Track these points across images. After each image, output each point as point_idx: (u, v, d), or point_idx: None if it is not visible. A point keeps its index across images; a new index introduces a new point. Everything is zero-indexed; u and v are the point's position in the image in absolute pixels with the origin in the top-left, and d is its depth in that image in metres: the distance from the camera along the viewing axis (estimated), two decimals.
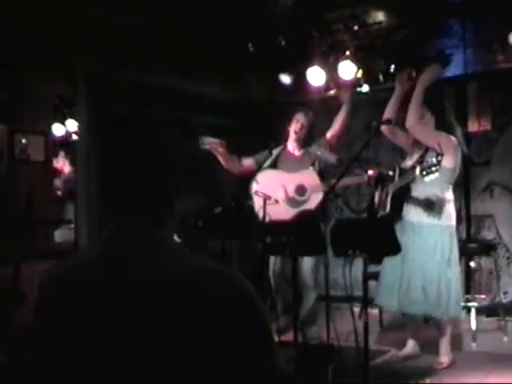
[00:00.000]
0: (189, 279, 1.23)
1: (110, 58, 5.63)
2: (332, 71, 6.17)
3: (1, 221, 4.77)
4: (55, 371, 1.30)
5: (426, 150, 4.16)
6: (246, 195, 5.14)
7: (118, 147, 1.38)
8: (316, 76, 6.27)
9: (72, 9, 5.11)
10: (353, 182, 5.16)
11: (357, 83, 6.22)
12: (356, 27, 5.88)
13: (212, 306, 1.21)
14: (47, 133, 5.26)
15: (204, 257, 1.32)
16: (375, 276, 5.51)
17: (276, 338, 3.90)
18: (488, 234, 5.80)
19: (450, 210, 4.12)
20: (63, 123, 5.47)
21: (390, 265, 4.16)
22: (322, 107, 6.83)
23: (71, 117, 5.50)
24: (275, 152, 5.24)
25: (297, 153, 5.25)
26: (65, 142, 5.52)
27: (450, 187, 4.13)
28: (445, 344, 4.14)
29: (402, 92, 4.37)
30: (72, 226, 5.48)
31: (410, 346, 4.37)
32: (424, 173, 3.79)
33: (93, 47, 5.42)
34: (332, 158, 5.04)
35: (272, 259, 5.17)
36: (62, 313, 1.28)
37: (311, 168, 5.04)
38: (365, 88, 6.27)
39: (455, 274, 4.11)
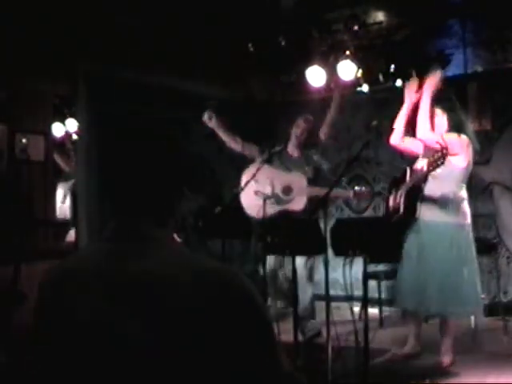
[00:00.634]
0: (190, 279, 1.23)
1: (110, 57, 5.63)
2: (332, 71, 6.17)
3: (1, 221, 4.77)
4: (55, 371, 1.30)
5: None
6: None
7: (119, 147, 1.38)
8: (316, 76, 6.27)
9: (72, 9, 5.11)
10: (341, 195, 5.27)
11: (357, 83, 6.22)
12: (356, 27, 5.88)
13: (213, 305, 1.21)
14: (47, 133, 5.26)
15: (204, 256, 1.32)
16: (375, 276, 5.54)
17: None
18: (488, 234, 5.80)
19: (465, 208, 4.13)
20: (63, 123, 5.47)
21: (407, 265, 4.16)
22: (322, 107, 6.84)
23: (71, 117, 5.50)
24: (275, 150, 5.28)
25: (295, 154, 5.34)
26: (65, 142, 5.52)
27: (464, 186, 4.15)
28: (447, 344, 4.14)
29: (411, 104, 4.36)
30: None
31: (411, 344, 4.37)
32: (431, 168, 3.82)
33: (93, 47, 5.42)
34: (325, 165, 5.24)
35: (268, 257, 5.21)
36: (62, 313, 1.29)
37: (303, 172, 5.16)
38: (365, 88, 6.27)
39: (472, 271, 4.10)
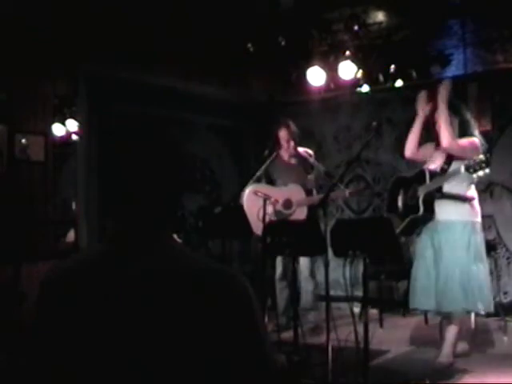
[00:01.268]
0: (189, 279, 1.24)
1: (110, 57, 5.63)
2: (332, 71, 6.18)
3: (1, 221, 4.77)
4: (55, 371, 1.30)
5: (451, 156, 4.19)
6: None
7: (123, 149, 1.38)
8: (316, 76, 6.28)
9: (72, 9, 5.11)
10: (337, 196, 5.26)
11: (357, 83, 6.22)
12: (356, 27, 5.88)
13: (211, 305, 1.22)
14: (47, 133, 5.26)
15: (205, 256, 1.33)
16: (375, 276, 5.55)
17: (276, 336, 3.92)
18: (488, 234, 5.80)
19: (477, 207, 4.16)
20: (63, 123, 5.47)
21: (423, 266, 4.16)
22: (322, 107, 6.84)
23: (71, 117, 5.49)
24: (268, 161, 5.30)
25: (292, 161, 5.39)
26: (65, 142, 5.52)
27: (473, 186, 4.18)
28: (449, 344, 4.12)
29: (423, 117, 4.36)
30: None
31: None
32: (471, 170, 3.80)
33: (93, 47, 5.42)
34: (321, 169, 5.31)
35: (277, 261, 5.28)
36: (63, 313, 1.29)
37: (304, 181, 5.21)
38: (365, 88, 6.27)
39: (486, 269, 4.18)
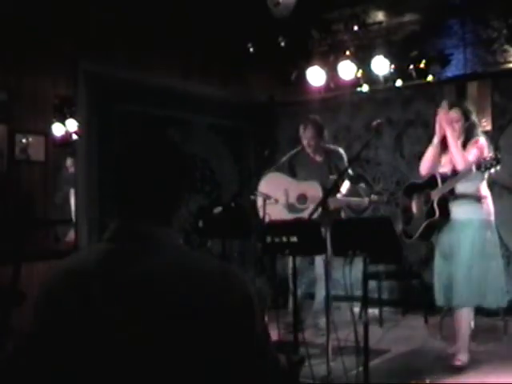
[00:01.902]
0: (190, 278, 1.24)
1: (110, 57, 5.63)
2: (332, 71, 6.18)
3: (1, 221, 4.77)
4: (55, 371, 1.30)
5: None
6: (250, 192, 5.20)
7: (124, 150, 1.39)
8: (316, 76, 6.27)
9: (72, 9, 5.12)
10: (357, 203, 5.16)
11: (357, 83, 6.22)
12: (356, 27, 5.88)
13: (212, 305, 1.22)
14: (47, 133, 5.26)
15: (208, 256, 1.33)
16: (375, 276, 5.54)
17: (276, 336, 3.91)
18: None
19: (491, 205, 4.23)
20: (63, 123, 5.46)
21: (442, 265, 4.21)
22: (322, 107, 6.84)
23: (71, 117, 5.49)
24: (292, 153, 5.26)
25: (318, 158, 5.34)
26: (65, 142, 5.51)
27: (485, 183, 4.24)
28: (463, 341, 4.13)
29: (441, 136, 4.33)
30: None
31: None
32: (482, 168, 3.87)
33: (93, 47, 5.42)
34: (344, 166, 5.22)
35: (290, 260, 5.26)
36: (63, 313, 1.29)
37: (324, 180, 5.13)
38: (365, 88, 6.27)
39: (501, 264, 4.26)
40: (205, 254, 1.35)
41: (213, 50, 6.39)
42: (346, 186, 5.13)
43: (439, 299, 4.28)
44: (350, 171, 5.13)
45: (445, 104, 4.33)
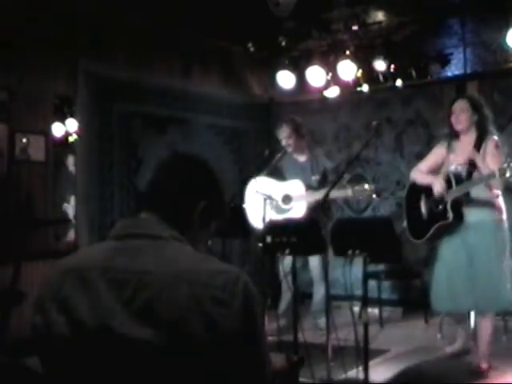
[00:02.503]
0: (196, 279, 1.25)
1: (110, 57, 5.63)
2: (332, 71, 6.17)
3: (1, 221, 4.77)
4: (56, 370, 1.30)
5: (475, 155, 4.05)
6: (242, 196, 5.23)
7: (168, 163, 1.51)
8: (316, 76, 6.27)
9: (72, 8, 5.12)
10: (341, 196, 5.08)
11: (357, 83, 6.22)
12: (356, 27, 5.88)
13: (215, 304, 1.22)
14: (47, 132, 5.26)
15: (210, 257, 1.34)
16: (375, 275, 5.55)
17: (276, 338, 3.91)
18: None
19: (502, 203, 4.08)
20: (63, 123, 5.46)
21: (454, 268, 4.07)
22: (322, 107, 6.84)
23: (71, 116, 5.49)
24: (278, 157, 5.29)
25: (301, 159, 5.36)
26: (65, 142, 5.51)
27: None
28: (484, 347, 4.04)
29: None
30: None
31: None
32: (508, 174, 3.65)
33: (93, 47, 5.43)
34: (329, 164, 5.35)
35: (280, 259, 5.26)
36: (65, 310, 1.28)
37: (307, 179, 5.18)
38: (365, 88, 6.27)
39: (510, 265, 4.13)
40: (207, 254, 1.36)
41: (213, 49, 6.39)
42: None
43: (442, 305, 4.16)
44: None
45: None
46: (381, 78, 6.08)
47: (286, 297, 5.29)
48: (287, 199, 5.18)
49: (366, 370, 3.29)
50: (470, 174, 4.01)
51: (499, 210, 4.07)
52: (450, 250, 4.13)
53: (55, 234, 5.44)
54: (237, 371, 1.25)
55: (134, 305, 1.23)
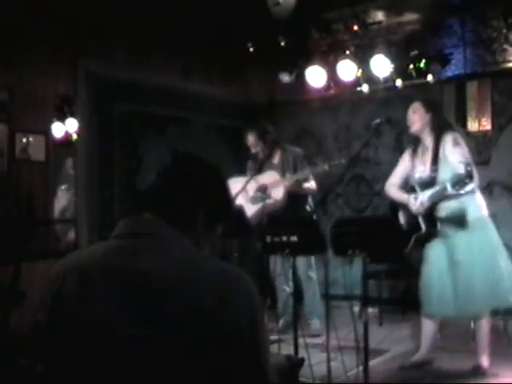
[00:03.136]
0: (199, 279, 1.25)
1: (110, 57, 5.64)
2: (332, 71, 6.17)
3: (1, 221, 4.77)
4: (58, 369, 1.30)
5: (434, 157, 3.99)
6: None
7: (173, 163, 1.51)
8: (316, 76, 6.27)
9: (72, 8, 5.12)
10: (319, 172, 5.08)
11: (357, 83, 6.22)
12: (356, 27, 5.88)
13: (216, 304, 1.23)
14: (48, 132, 5.26)
15: (211, 256, 1.34)
16: (375, 275, 5.54)
17: (276, 337, 3.92)
18: None
19: (479, 197, 4.00)
20: (63, 123, 5.46)
21: (436, 272, 4.01)
22: (322, 107, 6.85)
23: (71, 116, 5.49)
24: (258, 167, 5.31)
25: (274, 161, 5.33)
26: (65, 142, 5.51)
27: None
28: (483, 345, 4.01)
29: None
30: None
31: (425, 351, 4.20)
32: (457, 187, 3.60)
33: (93, 47, 5.43)
34: (298, 151, 5.34)
35: (272, 259, 5.26)
36: (67, 309, 1.28)
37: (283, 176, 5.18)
38: (365, 88, 6.27)
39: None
40: (208, 254, 1.37)
41: (213, 49, 6.39)
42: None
43: (439, 309, 4.06)
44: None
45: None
46: (381, 78, 6.08)
47: (281, 297, 5.30)
48: (263, 188, 5.17)
49: (365, 370, 3.29)
50: (433, 180, 3.92)
51: (479, 204, 3.96)
52: (431, 252, 4.07)
53: (55, 234, 5.44)
54: (238, 371, 1.25)
55: (136, 304, 1.23)
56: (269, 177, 5.20)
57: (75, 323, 1.26)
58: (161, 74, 6.07)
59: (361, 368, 3.43)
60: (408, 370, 4.09)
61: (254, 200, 5.17)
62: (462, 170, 3.61)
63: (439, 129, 4.05)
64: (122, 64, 5.74)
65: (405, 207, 4.09)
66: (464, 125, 5.91)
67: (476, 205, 3.97)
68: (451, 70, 5.94)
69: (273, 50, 6.33)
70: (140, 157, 5.92)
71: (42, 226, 5.21)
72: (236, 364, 1.24)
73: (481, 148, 5.94)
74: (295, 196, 5.11)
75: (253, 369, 1.28)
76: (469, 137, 5.63)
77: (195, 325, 1.20)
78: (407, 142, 6.34)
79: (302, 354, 3.44)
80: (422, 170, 4.04)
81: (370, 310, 3.82)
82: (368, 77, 6.11)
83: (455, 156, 3.88)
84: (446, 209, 3.96)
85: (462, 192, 3.71)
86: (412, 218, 4.03)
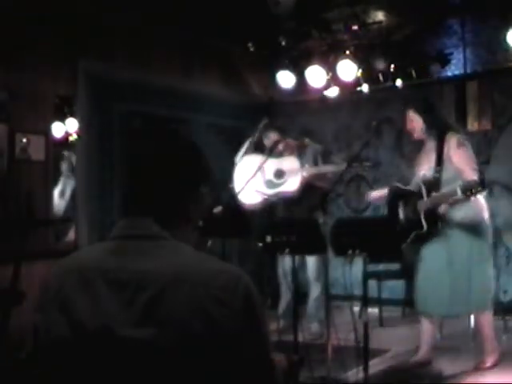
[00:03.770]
0: (196, 279, 1.25)
1: (110, 57, 5.63)
2: (332, 71, 6.18)
3: (1, 220, 4.77)
4: (56, 370, 1.30)
5: (439, 158, 4.00)
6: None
7: (134, 150, 1.40)
8: (316, 76, 6.27)
9: (72, 8, 5.12)
10: (335, 171, 5.06)
11: (357, 83, 6.22)
12: (356, 27, 5.88)
13: (217, 304, 1.22)
14: (48, 132, 5.26)
15: (211, 257, 1.33)
16: (375, 275, 5.54)
17: (276, 338, 3.91)
18: None
19: (481, 202, 4.00)
20: (63, 123, 5.46)
21: (434, 270, 4.03)
22: (322, 107, 6.84)
23: (71, 116, 5.49)
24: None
25: (287, 154, 5.35)
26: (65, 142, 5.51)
27: None
28: (488, 342, 4.05)
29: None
30: None
31: (424, 351, 4.22)
32: (468, 193, 3.60)
33: (93, 47, 5.42)
34: (318, 147, 5.38)
35: (281, 258, 5.27)
36: (65, 310, 1.28)
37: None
38: (365, 88, 6.27)
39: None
40: (207, 254, 1.36)
41: (213, 49, 6.38)
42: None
43: (440, 309, 4.07)
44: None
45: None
46: (381, 77, 6.08)
47: (286, 297, 5.28)
48: (280, 173, 5.18)
49: (365, 370, 3.29)
50: (437, 180, 3.95)
51: (480, 208, 3.98)
52: (428, 250, 4.08)
53: (55, 234, 5.44)
54: (239, 372, 1.24)
55: (135, 305, 1.23)
56: (288, 162, 5.19)
57: (74, 324, 1.26)
58: (161, 73, 6.06)
59: (361, 368, 3.43)
60: (408, 370, 4.09)
61: (270, 184, 5.18)
62: (474, 176, 3.69)
63: (439, 128, 4.07)
64: (121, 64, 5.74)
65: (406, 203, 4.11)
66: (464, 125, 5.91)
67: (478, 207, 3.98)
68: (451, 70, 5.94)
69: (273, 49, 6.33)
70: None
71: (42, 225, 5.21)
72: (237, 365, 1.24)
73: (481, 148, 5.94)
74: (310, 187, 5.11)
75: (255, 370, 1.27)
76: (469, 137, 5.62)
77: (194, 325, 1.20)
78: (407, 142, 6.38)
79: (302, 354, 3.44)
80: (427, 169, 4.06)
81: (370, 310, 3.82)
82: (368, 77, 6.11)
83: (460, 158, 3.92)
84: (457, 211, 3.96)
85: (472, 198, 3.71)
86: (412, 214, 4.04)
